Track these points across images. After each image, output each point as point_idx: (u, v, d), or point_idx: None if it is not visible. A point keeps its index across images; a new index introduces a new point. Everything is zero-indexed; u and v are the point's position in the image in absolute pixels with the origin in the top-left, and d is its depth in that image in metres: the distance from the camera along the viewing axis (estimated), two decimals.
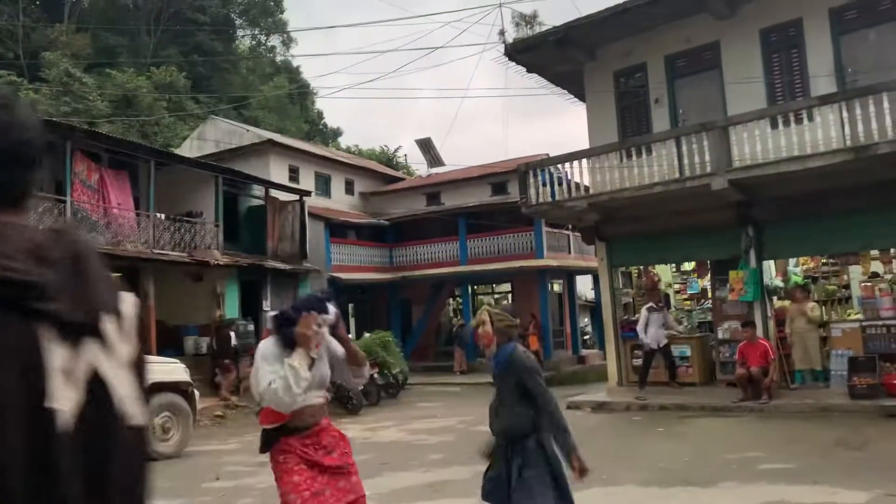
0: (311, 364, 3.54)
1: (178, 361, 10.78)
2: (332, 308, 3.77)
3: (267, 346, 3.72)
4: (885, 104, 10.39)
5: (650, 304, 13.22)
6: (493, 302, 25.45)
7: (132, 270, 15.76)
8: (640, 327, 13.02)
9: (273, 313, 3.83)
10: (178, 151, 23.32)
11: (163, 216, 17.03)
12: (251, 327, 17.95)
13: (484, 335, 4.33)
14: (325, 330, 3.66)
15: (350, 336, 19.64)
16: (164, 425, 9.70)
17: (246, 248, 20.07)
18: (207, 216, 18.54)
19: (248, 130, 25.75)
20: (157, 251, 16.15)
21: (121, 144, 17.07)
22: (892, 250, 12.32)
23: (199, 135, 25.71)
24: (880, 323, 11.57)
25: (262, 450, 3.74)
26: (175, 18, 40.48)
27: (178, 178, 18.29)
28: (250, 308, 18.97)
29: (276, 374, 3.47)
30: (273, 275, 19.59)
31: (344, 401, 14.03)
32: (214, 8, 43.16)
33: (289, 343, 3.62)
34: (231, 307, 18.34)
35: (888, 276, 12.27)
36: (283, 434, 3.64)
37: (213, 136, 24.72)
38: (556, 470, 4.04)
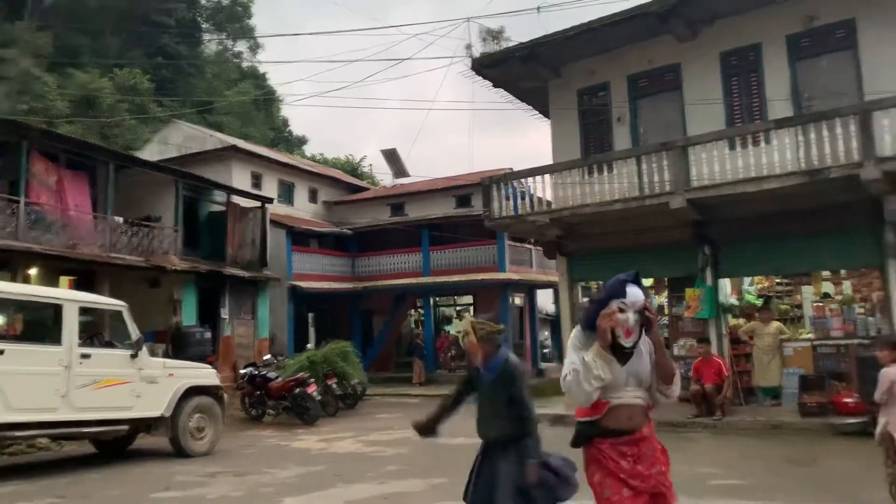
0: (627, 359, 3.31)
1: (211, 367, 11.38)
2: (634, 291, 3.34)
3: (576, 333, 3.54)
4: (838, 129, 10.70)
5: None
6: (455, 313, 25.48)
7: (88, 273, 15.41)
8: None
9: (586, 300, 3.62)
10: (139, 154, 22.90)
11: (120, 220, 16.71)
12: (208, 335, 17.67)
13: (469, 345, 4.34)
14: (632, 316, 3.29)
15: (310, 345, 19.14)
16: (198, 426, 10.16)
17: (205, 254, 19.77)
18: (167, 220, 18.25)
19: (211, 135, 25.41)
20: (113, 255, 15.84)
21: (80, 145, 16.73)
22: (842, 272, 12.63)
23: (161, 138, 25.29)
24: (831, 343, 11.84)
25: (574, 444, 3.55)
26: (140, 20, 39.89)
27: (139, 181, 18.00)
28: (208, 315, 18.70)
29: (573, 365, 3.32)
30: (232, 282, 19.33)
31: (299, 411, 13.85)
32: (181, 11, 42.66)
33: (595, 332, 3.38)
34: (188, 314, 18.06)
35: (838, 297, 12.57)
36: (596, 433, 3.40)
37: (175, 140, 24.35)
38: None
